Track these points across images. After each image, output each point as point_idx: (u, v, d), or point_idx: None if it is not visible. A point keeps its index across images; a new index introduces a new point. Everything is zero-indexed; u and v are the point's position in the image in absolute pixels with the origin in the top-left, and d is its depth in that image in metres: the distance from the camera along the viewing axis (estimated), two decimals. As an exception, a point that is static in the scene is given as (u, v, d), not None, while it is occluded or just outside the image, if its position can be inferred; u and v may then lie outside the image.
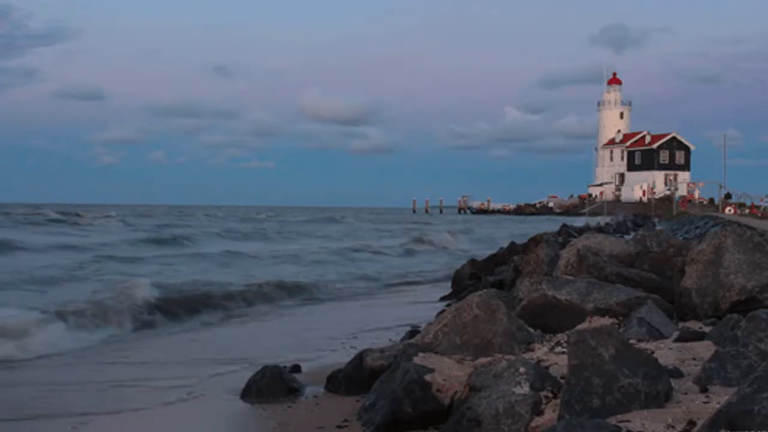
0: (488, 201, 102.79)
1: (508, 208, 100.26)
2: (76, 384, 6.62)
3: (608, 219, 53.46)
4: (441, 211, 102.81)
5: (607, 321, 6.16)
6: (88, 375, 7.00)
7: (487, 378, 4.32)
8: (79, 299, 10.70)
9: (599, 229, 28.56)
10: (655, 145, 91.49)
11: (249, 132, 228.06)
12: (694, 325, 6.07)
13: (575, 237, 17.47)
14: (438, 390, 4.68)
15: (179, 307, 11.47)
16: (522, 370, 4.21)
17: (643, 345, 5.02)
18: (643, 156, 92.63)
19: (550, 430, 3.24)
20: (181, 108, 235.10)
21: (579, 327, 5.83)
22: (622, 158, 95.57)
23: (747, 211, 60.33)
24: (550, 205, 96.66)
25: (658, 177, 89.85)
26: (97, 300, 10.62)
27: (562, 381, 4.04)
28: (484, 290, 6.40)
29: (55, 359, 7.90)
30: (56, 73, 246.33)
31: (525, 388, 4.06)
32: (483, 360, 5.06)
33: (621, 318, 6.22)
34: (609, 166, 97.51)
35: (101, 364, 7.56)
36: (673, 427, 3.33)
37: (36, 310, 9.46)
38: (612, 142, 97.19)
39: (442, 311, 7.52)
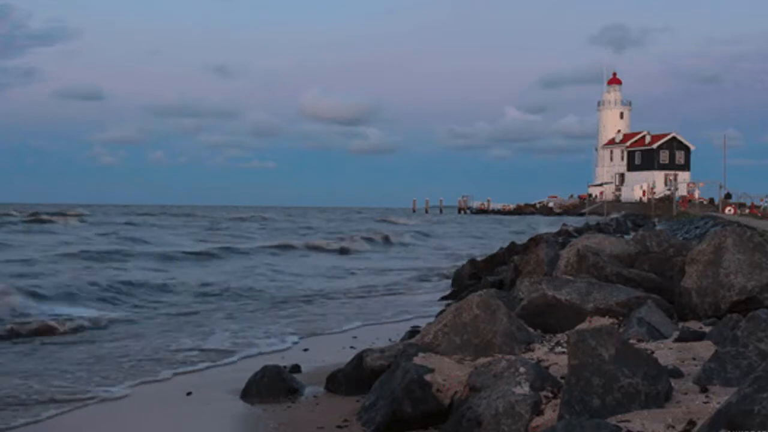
0: (488, 201, 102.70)
1: (508, 208, 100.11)
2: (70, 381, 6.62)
3: (607, 219, 53.42)
4: (441, 211, 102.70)
5: (607, 321, 6.16)
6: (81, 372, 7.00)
7: (487, 378, 4.32)
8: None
9: (599, 229, 28.57)
10: (655, 145, 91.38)
11: (249, 132, 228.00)
12: (694, 325, 6.06)
13: (575, 237, 17.47)
14: (438, 390, 4.68)
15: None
16: (522, 370, 4.21)
17: (643, 345, 5.02)
18: (643, 156, 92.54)
19: (550, 430, 3.24)
20: (181, 108, 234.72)
21: (579, 327, 5.83)
22: (622, 158, 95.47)
23: (747, 211, 60.28)
24: (550, 205, 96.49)
25: (658, 177, 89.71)
26: None
27: (562, 381, 4.04)
28: (484, 290, 6.40)
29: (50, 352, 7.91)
30: (56, 73, 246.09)
31: (525, 388, 4.06)
32: (483, 360, 5.06)
33: (621, 318, 6.22)
34: (609, 166, 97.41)
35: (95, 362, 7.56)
36: (673, 427, 3.33)
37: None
38: (612, 142, 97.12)
39: (442, 311, 7.52)
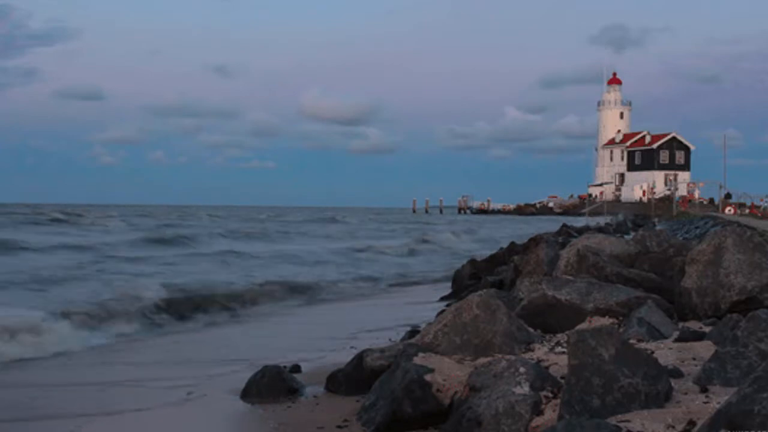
0: (488, 201, 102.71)
1: (508, 208, 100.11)
2: (77, 384, 6.62)
3: (608, 219, 53.40)
4: (441, 211, 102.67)
5: (607, 321, 6.16)
6: (90, 375, 7.00)
7: (487, 378, 4.32)
8: (82, 299, 10.75)
9: (599, 229, 28.55)
10: (655, 145, 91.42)
11: (249, 132, 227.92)
12: (694, 325, 6.06)
13: (575, 237, 17.47)
14: (438, 390, 4.68)
15: (184, 307, 11.59)
16: (522, 370, 4.21)
17: (643, 345, 5.02)
18: (643, 156, 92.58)
19: (550, 430, 3.24)
20: (181, 108, 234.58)
21: (579, 327, 5.83)
22: (622, 158, 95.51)
23: (747, 211, 60.29)
24: (550, 205, 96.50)
25: (658, 177, 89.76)
26: (101, 300, 10.62)
27: (562, 381, 4.04)
28: (484, 290, 6.40)
29: (57, 360, 7.92)
30: (56, 73, 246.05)
31: (525, 388, 4.06)
32: (483, 360, 5.06)
33: (621, 318, 6.22)
34: (609, 166, 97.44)
35: (103, 364, 7.57)
36: (673, 427, 3.33)
37: (40, 311, 9.50)
38: (612, 142, 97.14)
39: (442, 311, 7.52)
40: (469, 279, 14.10)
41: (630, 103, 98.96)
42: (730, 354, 4.12)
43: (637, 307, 6.14)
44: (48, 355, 8.03)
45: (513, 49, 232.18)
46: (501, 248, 17.23)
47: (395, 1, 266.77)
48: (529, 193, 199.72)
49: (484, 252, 20.94)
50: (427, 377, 4.73)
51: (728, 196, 72.28)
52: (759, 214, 50.06)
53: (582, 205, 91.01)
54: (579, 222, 45.41)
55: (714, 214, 48.42)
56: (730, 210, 57.77)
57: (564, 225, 30.57)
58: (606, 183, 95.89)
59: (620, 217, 53.34)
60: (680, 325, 6.09)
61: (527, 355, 5.20)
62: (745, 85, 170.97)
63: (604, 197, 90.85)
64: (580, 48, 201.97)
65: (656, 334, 5.54)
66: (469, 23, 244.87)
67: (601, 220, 49.89)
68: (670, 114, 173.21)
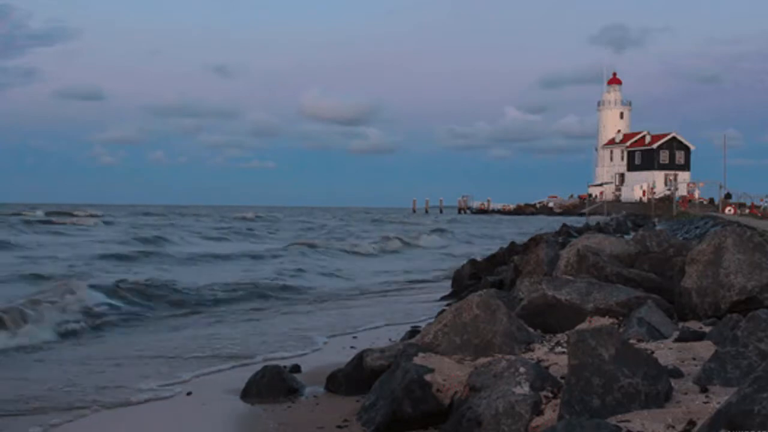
0: (488, 201, 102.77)
1: (508, 208, 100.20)
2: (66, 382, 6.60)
3: (608, 219, 53.38)
4: (441, 211, 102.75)
5: (607, 321, 6.16)
6: (81, 372, 6.98)
7: (487, 378, 4.32)
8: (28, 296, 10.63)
9: (599, 229, 28.54)
10: (655, 145, 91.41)
11: (249, 132, 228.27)
12: (694, 325, 6.06)
13: (575, 237, 17.46)
14: (438, 390, 4.68)
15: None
16: (522, 370, 4.21)
17: (643, 345, 5.01)
18: (643, 156, 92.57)
19: (550, 430, 3.24)
20: (181, 108, 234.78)
21: (579, 327, 5.83)
22: (622, 158, 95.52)
23: (747, 211, 60.25)
24: (550, 205, 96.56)
25: (658, 177, 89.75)
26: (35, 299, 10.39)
27: (562, 381, 4.04)
28: (484, 290, 6.39)
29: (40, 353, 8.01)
30: (56, 73, 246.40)
31: (525, 388, 4.06)
32: (483, 360, 5.06)
33: (621, 318, 6.22)
34: (609, 166, 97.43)
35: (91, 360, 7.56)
36: (673, 427, 3.33)
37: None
38: (612, 142, 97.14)
39: (442, 311, 7.52)
40: (469, 279, 14.10)
41: (630, 103, 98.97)
42: (730, 354, 4.12)
43: (637, 307, 6.14)
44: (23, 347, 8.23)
45: (513, 49, 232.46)
46: (501, 248, 17.22)
47: (395, 1, 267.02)
48: (529, 193, 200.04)
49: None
50: (427, 377, 4.72)
51: (728, 196, 72.20)
52: (759, 214, 50.00)
53: (582, 205, 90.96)
54: (579, 222, 45.48)
55: (714, 214, 48.38)
56: (730, 210, 57.71)
57: (564, 225, 30.56)
58: (606, 183, 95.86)
59: (619, 218, 53.26)
60: (680, 325, 6.09)
61: (527, 355, 5.20)
62: (745, 85, 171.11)
63: (604, 197, 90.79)
64: (580, 48, 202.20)
65: (656, 334, 5.54)
66: (469, 23, 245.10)
67: (601, 220, 49.89)
68: (670, 114, 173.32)
